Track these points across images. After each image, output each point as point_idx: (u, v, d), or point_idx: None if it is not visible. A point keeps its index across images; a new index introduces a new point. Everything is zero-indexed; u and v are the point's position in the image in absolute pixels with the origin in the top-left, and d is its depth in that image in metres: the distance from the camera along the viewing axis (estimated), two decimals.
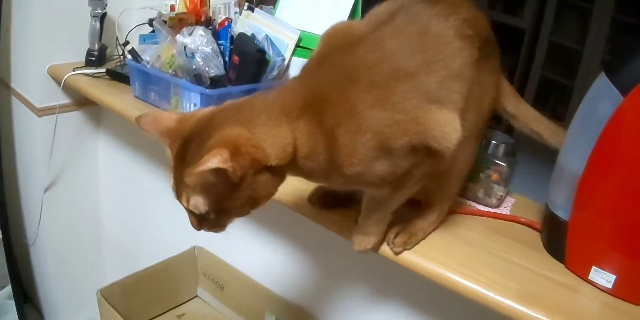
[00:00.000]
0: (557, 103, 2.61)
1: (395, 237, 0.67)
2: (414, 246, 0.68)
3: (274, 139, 0.52)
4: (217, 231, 0.57)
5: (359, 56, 0.56)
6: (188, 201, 0.53)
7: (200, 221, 0.55)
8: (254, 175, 0.51)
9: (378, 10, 0.62)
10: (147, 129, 0.56)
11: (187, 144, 0.53)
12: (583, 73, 2.58)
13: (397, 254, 0.67)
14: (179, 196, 0.54)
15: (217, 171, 0.47)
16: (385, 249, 0.68)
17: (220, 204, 0.53)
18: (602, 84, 0.61)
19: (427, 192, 0.68)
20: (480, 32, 0.61)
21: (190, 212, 0.55)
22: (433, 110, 0.55)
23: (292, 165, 0.55)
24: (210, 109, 0.56)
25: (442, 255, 0.66)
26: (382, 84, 0.54)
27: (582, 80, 2.55)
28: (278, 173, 0.54)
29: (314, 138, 0.54)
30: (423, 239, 0.69)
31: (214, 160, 0.47)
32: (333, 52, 0.58)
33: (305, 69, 0.60)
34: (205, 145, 0.50)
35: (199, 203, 0.52)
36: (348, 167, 0.55)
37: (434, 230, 0.71)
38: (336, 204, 0.74)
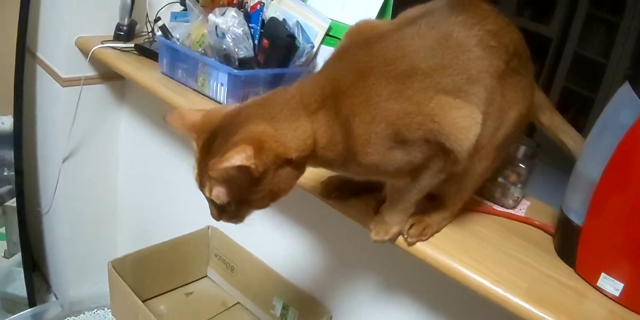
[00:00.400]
0: (577, 115, 2.58)
1: (410, 228, 0.67)
2: (428, 238, 0.68)
3: (294, 133, 0.54)
4: (235, 222, 0.59)
5: (377, 52, 0.58)
6: (211, 191, 0.55)
7: (221, 211, 0.58)
8: (276, 170, 0.53)
9: (406, 14, 0.63)
10: (174, 124, 0.59)
11: (212, 138, 0.55)
12: (606, 87, 2.55)
13: (410, 244, 0.67)
14: (202, 186, 0.56)
15: (241, 167, 0.50)
16: (399, 239, 0.69)
17: (241, 196, 0.55)
18: (625, 93, 0.61)
19: (443, 192, 0.70)
20: (507, 44, 0.61)
21: (212, 202, 0.57)
22: (453, 109, 0.56)
23: (312, 156, 0.57)
24: (235, 105, 0.59)
25: (455, 250, 0.67)
26: (397, 80, 0.56)
27: (604, 93, 2.52)
28: (298, 166, 0.56)
29: (332, 129, 0.56)
30: (437, 231, 0.70)
31: (238, 157, 0.49)
32: (353, 47, 0.60)
33: (325, 63, 0.62)
34: (230, 139, 0.52)
35: (221, 193, 0.54)
36: (364, 156, 0.57)
37: (447, 224, 0.72)
38: (348, 195, 0.75)
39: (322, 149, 0.56)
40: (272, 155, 0.52)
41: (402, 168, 0.59)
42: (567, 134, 0.75)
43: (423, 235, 0.67)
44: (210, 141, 0.55)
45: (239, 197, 0.55)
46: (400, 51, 0.57)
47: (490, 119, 0.61)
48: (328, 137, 0.56)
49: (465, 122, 0.56)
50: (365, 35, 0.61)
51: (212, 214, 0.58)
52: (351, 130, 0.56)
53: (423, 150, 0.58)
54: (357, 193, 0.75)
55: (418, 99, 0.55)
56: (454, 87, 0.57)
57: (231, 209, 0.57)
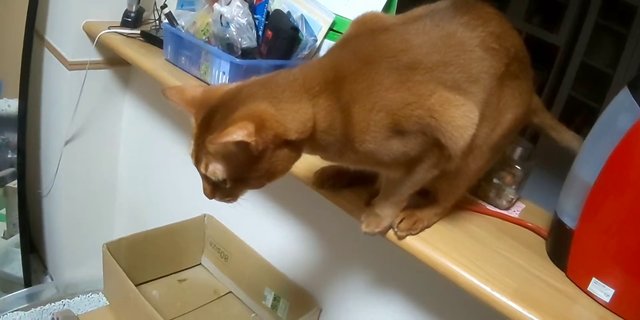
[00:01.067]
0: (582, 124, 2.57)
1: (400, 222, 0.67)
2: (418, 232, 0.68)
3: (295, 115, 0.54)
4: (228, 201, 0.59)
5: (382, 43, 0.59)
6: (207, 167, 0.54)
7: (214, 189, 0.57)
8: (274, 150, 0.54)
9: (412, 12, 0.64)
10: (173, 99, 0.58)
11: (212, 114, 0.55)
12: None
13: (400, 238, 0.67)
14: (197, 162, 0.56)
15: (240, 143, 0.49)
16: (389, 232, 0.69)
17: (238, 173, 0.55)
18: (623, 97, 0.61)
19: (436, 188, 0.70)
20: (508, 47, 0.62)
21: (206, 179, 0.57)
22: (452, 107, 0.56)
23: (310, 140, 0.57)
24: (236, 83, 0.59)
25: (446, 246, 0.67)
26: (399, 71, 0.56)
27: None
28: (296, 148, 0.56)
29: (332, 114, 0.56)
30: (428, 226, 0.70)
31: (240, 132, 0.49)
32: (359, 36, 0.61)
33: (330, 50, 0.62)
34: (231, 116, 0.52)
35: (218, 170, 0.54)
36: (361, 144, 0.57)
37: (438, 220, 0.72)
38: (341, 186, 0.75)
39: (321, 133, 0.57)
40: (272, 134, 0.52)
41: (398, 159, 0.59)
42: (555, 130, 0.78)
43: (413, 230, 0.68)
44: (209, 117, 0.55)
45: (235, 175, 0.55)
46: (404, 44, 0.58)
47: (486, 120, 0.62)
48: (328, 121, 0.56)
49: (462, 122, 0.57)
50: (371, 26, 0.62)
51: (205, 191, 0.58)
52: (351, 116, 0.56)
53: (419, 142, 0.58)
54: (350, 185, 0.75)
55: (419, 91, 0.56)
56: (454, 84, 0.57)
57: (225, 187, 0.56)
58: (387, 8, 0.98)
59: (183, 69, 1.03)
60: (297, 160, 0.58)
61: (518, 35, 0.65)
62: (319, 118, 0.56)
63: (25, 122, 1.38)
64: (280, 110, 0.54)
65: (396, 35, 0.59)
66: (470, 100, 0.58)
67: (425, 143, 0.58)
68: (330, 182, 0.74)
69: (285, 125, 0.53)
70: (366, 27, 0.62)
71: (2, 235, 1.56)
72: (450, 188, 0.70)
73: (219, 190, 0.57)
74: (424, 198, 0.71)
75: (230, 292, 1.19)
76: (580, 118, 2.62)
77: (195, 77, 1.01)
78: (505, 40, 0.62)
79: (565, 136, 0.77)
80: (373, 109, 0.56)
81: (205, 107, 0.56)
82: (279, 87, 0.56)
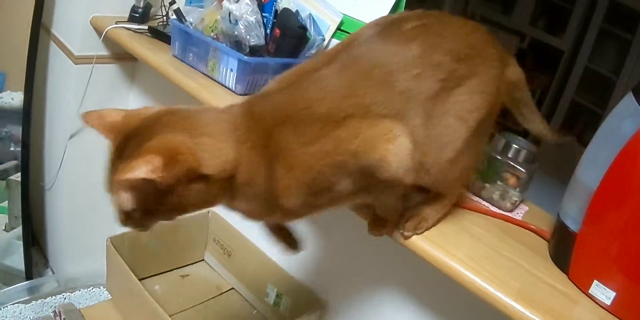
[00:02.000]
0: (584, 129, 2.57)
1: (405, 222, 0.68)
2: (423, 231, 0.69)
3: (216, 152, 0.52)
4: (140, 230, 0.57)
5: (297, 95, 0.57)
6: (116, 196, 0.51)
7: (127, 217, 0.54)
8: (188, 184, 0.51)
9: (331, 50, 0.62)
10: (92, 124, 0.55)
11: (128, 140, 0.52)
12: (614, 103, 2.52)
13: (406, 238, 0.68)
14: (109, 189, 0.53)
15: (146, 178, 0.47)
16: (395, 233, 0.69)
17: (146, 205, 0.52)
18: (628, 103, 0.62)
19: (432, 187, 0.70)
20: (438, 62, 0.58)
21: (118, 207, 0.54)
22: (381, 143, 0.55)
23: (231, 190, 0.55)
24: (159, 108, 0.56)
25: (450, 246, 0.67)
26: (316, 123, 0.54)
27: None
28: (215, 186, 0.53)
29: (255, 168, 0.54)
30: (433, 225, 0.70)
31: (144, 168, 0.46)
32: (277, 91, 0.59)
33: (254, 97, 0.60)
34: (143, 145, 0.50)
35: (126, 200, 0.51)
36: (286, 199, 0.56)
37: (442, 217, 0.72)
38: None
39: (244, 184, 0.54)
40: (184, 168, 0.49)
41: (356, 193, 0.59)
42: (528, 108, 0.76)
43: (418, 229, 0.68)
44: (124, 144, 0.52)
45: (144, 206, 0.51)
46: (319, 93, 0.56)
47: (433, 141, 0.60)
48: (251, 174, 0.54)
49: (394, 157, 0.55)
50: (289, 77, 0.60)
51: (117, 219, 0.55)
52: (274, 175, 0.54)
53: (355, 181, 0.56)
54: None
55: (339, 137, 0.54)
56: (380, 117, 0.56)
57: (136, 217, 0.53)
58: (395, 8, 0.98)
59: (190, 66, 1.03)
60: (217, 199, 0.55)
61: (460, 28, 0.62)
62: (241, 169, 0.53)
63: (29, 115, 1.38)
64: (200, 144, 0.51)
65: (310, 84, 0.57)
66: (402, 127, 0.56)
67: (360, 178, 0.56)
68: None
69: (200, 160, 0.50)
70: (283, 79, 0.60)
71: (3, 227, 1.57)
72: (446, 179, 0.68)
73: (130, 219, 0.54)
74: (425, 194, 0.71)
75: (232, 288, 1.20)
76: (584, 123, 2.62)
77: (202, 73, 1.01)
78: (433, 55, 0.58)
79: (533, 118, 0.75)
80: (294, 167, 0.54)
81: (123, 132, 0.53)
82: (202, 120, 0.54)
